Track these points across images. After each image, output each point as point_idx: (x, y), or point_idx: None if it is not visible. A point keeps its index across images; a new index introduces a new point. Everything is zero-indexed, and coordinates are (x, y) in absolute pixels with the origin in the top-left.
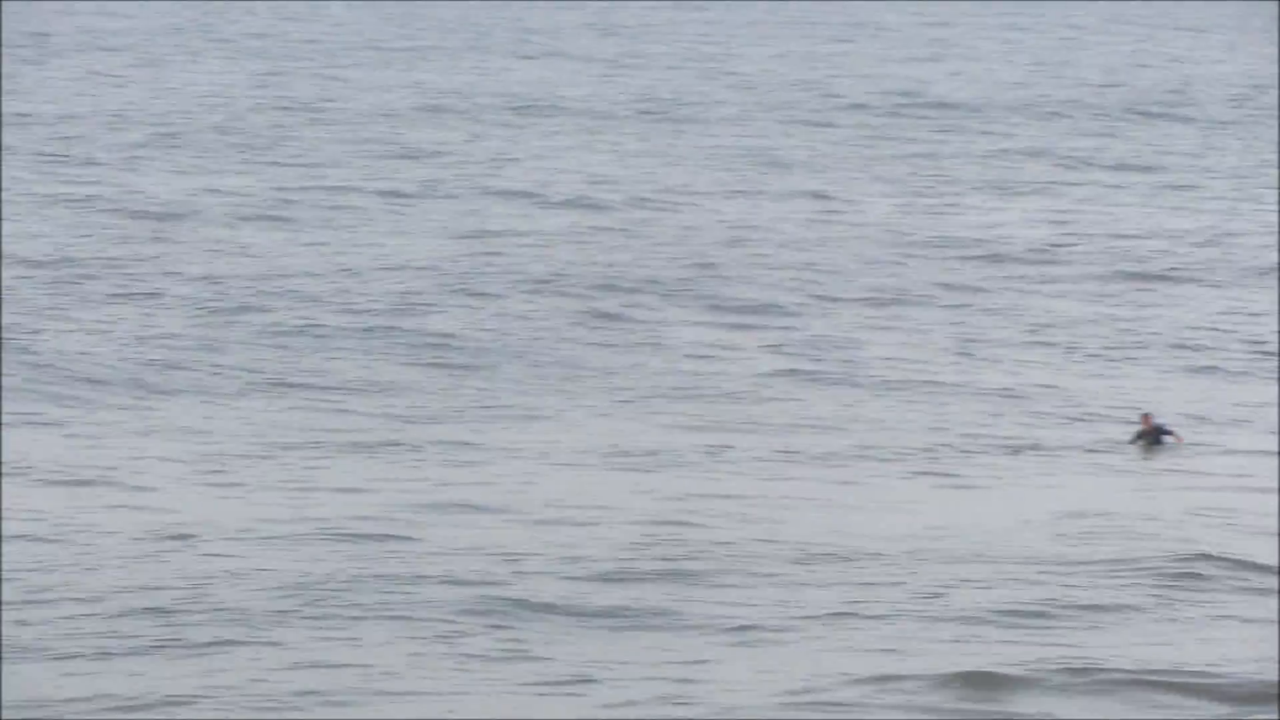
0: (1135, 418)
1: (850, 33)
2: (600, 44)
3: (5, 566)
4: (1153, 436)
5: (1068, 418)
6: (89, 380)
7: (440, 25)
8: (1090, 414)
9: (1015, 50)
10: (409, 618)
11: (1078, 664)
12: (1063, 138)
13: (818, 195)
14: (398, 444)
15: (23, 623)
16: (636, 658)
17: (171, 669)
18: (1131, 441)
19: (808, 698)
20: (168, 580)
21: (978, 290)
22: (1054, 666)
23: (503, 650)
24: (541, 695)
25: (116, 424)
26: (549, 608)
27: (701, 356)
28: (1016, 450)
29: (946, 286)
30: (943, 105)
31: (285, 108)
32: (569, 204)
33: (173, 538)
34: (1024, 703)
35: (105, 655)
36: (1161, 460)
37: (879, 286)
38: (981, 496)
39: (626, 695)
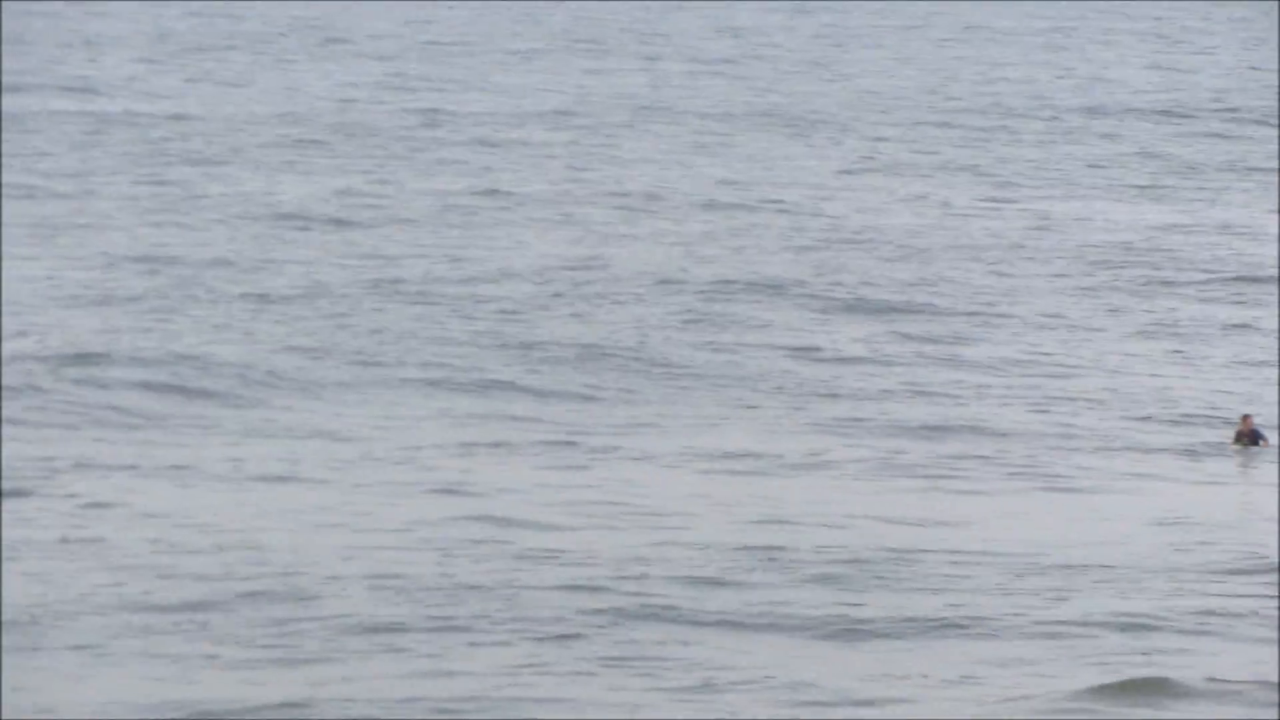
0: (1236, 418)
1: (964, 35)
2: (715, 47)
3: (122, 565)
4: (1250, 439)
5: (1171, 420)
6: (203, 378)
7: (556, 28)
8: (1191, 415)
9: (1129, 53)
10: (525, 620)
11: (1205, 671)
12: (1174, 140)
13: (931, 198)
14: (507, 445)
15: (129, 626)
16: (755, 662)
17: (285, 674)
18: (1233, 442)
19: (961, 709)
20: (281, 584)
21: (1087, 291)
22: (1190, 674)
23: (620, 655)
24: (664, 700)
25: (227, 423)
26: (665, 611)
27: (813, 360)
28: (1121, 452)
29: (1058, 289)
30: (1057, 108)
31: (404, 109)
32: (685, 207)
33: (284, 541)
34: (1182, 708)
35: (214, 659)
36: (1261, 464)
37: (989, 287)
38: (1088, 501)
39: (749, 701)
